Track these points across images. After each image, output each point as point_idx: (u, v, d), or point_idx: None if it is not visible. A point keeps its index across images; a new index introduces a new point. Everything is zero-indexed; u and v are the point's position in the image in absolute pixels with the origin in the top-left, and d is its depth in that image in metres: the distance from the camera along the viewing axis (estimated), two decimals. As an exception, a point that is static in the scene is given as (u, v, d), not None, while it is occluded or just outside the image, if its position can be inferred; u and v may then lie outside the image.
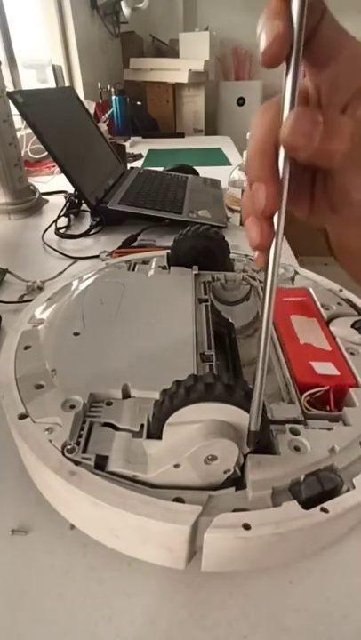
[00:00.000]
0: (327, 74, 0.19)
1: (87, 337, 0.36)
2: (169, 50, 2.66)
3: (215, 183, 1.07)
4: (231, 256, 0.50)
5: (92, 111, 1.57)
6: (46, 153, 0.80)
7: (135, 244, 0.75)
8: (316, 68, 0.19)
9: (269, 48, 0.16)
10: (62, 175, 0.81)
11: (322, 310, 0.40)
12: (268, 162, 0.18)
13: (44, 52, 1.84)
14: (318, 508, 0.24)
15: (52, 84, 1.82)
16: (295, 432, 0.28)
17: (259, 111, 0.19)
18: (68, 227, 0.86)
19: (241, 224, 0.82)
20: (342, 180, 0.21)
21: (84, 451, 0.27)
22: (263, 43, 0.16)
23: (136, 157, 1.54)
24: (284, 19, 0.16)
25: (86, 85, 1.96)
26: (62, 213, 0.89)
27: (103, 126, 1.50)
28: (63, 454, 0.26)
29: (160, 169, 1.14)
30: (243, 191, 0.80)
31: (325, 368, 0.33)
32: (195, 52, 2.28)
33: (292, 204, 0.23)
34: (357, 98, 0.18)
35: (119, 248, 0.72)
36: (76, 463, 0.26)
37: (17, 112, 0.78)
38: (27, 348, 0.36)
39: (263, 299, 0.20)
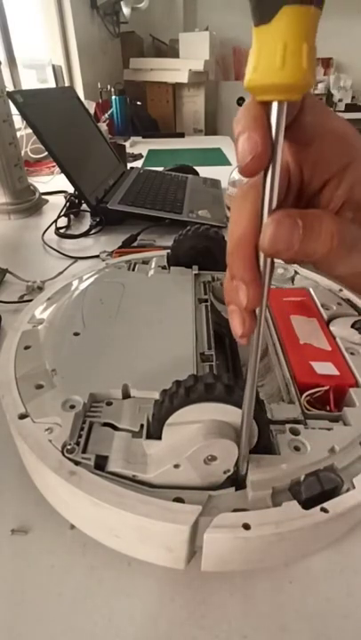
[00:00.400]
0: (310, 153, 0.19)
1: (87, 337, 0.36)
2: (169, 50, 2.67)
3: (215, 183, 1.07)
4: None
5: (92, 111, 1.57)
6: (46, 153, 0.80)
7: (135, 243, 0.75)
8: (298, 147, 0.19)
9: (247, 166, 0.16)
10: (62, 175, 0.81)
11: (322, 310, 0.40)
12: (249, 261, 0.18)
13: (44, 52, 1.84)
14: (318, 508, 0.24)
15: (52, 84, 1.83)
16: (295, 432, 0.28)
17: (236, 200, 0.19)
18: (68, 227, 0.86)
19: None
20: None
21: (84, 451, 0.27)
22: (241, 159, 0.16)
23: (136, 157, 1.54)
24: (262, 132, 0.15)
25: (86, 85, 1.96)
26: (62, 213, 0.89)
27: (103, 126, 1.50)
28: (63, 454, 0.26)
29: (160, 169, 1.14)
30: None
31: (325, 368, 0.33)
32: (195, 52, 2.29)
33: None
34: (339, 175, 0.19)
35: (119, 248, 0.72)
36: (76, 463, 0.26)
37: (17, 112, 0.78)
38: (27, 347, 0.36)
39: (247, 374, 0.20)
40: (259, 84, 0.14)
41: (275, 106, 0.15)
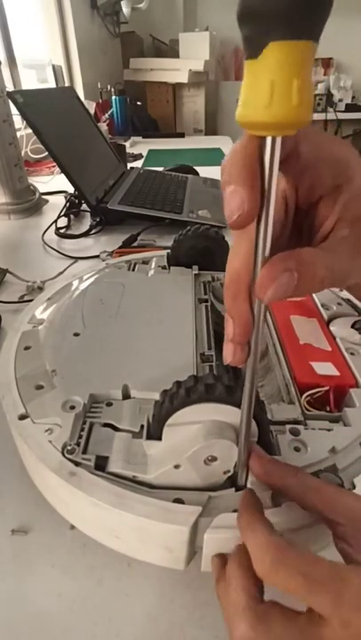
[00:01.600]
0: (305, 176, 0.18)
1: (87, 337, 0.36)
2: (169, 50, 2.66)
3: (215, 183, 1.07)
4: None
5: (92, 111, 1.57)
6: (46, 153, 0.80)
7: (135, 244, 0.75)
8: (293, 173, 0.19)
9: (234, 223, 0.15)
10: (62, 175, 0.81)
11: (322, 310, 0.40)
12: (240, 299, 0.18)
13: (44, 52, 1.84)
14: None
15: (52, 84, 1.82)
16: (295, 433, 0.28)
17: (234, 239, 0.19)
18: (68, 227, 0.86)
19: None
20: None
21: (84, 451, 0.27)
22: (227, 215, 0.15)
23: (136, 157, 1.54)
24: (249, 185, 0.15)
25: (86, 85, 1.96)
26: (62, 213, 0.89)
27: (103, 126, 1.50)
28: (63, 455, 0.26)
29: (160, 169, 1.14)
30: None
31: (325, 368, 0.33)
32: (195, 52, 2.29)
33: None
34: (334, 193, 0.19)
35: (119, 248, 0.72)
36: (76, 464, 0.26)
37: (17, 112, 0.78)
38: (27, 348, 0.36)
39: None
40: (248, 120, 0.14)
41: (268, 141, 0.14)
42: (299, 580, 0.17)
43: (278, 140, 0.14)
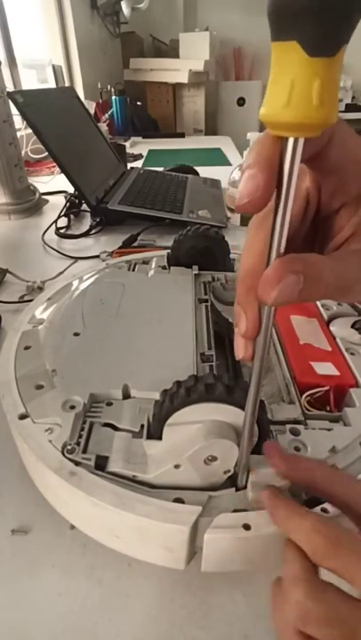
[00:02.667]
0: (330, 179, 0.18)
1: (87, 337, 0.36)
2: (169, 50, 2.66)
3: (215, 183, 1.07)
4: (231, 256, 0.50)
5: (92, 111, 1.57)
6: (46, 153, 0.80)
7: (135, 244, 0.75)
8: (319, 174, 0.18)
9: (242, 207, 0.15)
10: (62, 175, 0.81)
11: (322, 310, 0.40)
12: (253, 294, 0.18)
13: (44, 52, 1.84)
14: (319, 508, 0.24)
15: (52, 84, 1.82)
16: (295, 432, 0.28)
17: (251, 228, 0.19)
18: (68, 227, 0.86)
19: (241, 224, 0.82)
20: None
21: (85, 451, 0.27)
22: (238, 198, 0.15)
23: (136, 157, 1.54)
24: (267, 174, 0.14)
25: (86, 85, 1.96)
26: (62, 213, 0.89)
27: (103, 126, 1.50)
28: (63, 454, 0.26)
29: (160, 169, 1.14)
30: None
31: (325, 368, 0.33)
32: (195, 52, 2.29)
33: None
34: (356, 202, 0.18)
35: (119, 248, 0.72)
36: (77, 463, 0.26)
37: (17, 112, 0.78)
38: (27, 348, 0.36)
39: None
40: (269, 120, 0.13)
41: (290, 142, 0.14)
42: (355, 559, 0.17)
43: (300, 141, 0.14)
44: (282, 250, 0.16)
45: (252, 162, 0.15)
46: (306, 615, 0.17)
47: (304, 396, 0.31)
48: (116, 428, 0.28)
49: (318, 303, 0.42)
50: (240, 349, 0.19)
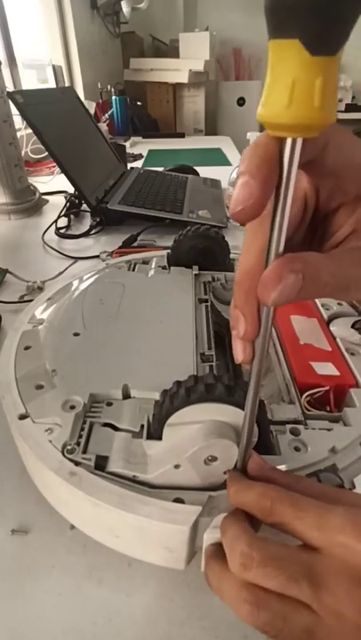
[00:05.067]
0: (328, 181, 0.18)
1: (87, 337, 0.36)
2: (169, 50, 2.66)
3: (215, 183, 1.07)
4: (231, 256, 0.50)
5: (92, 111, 1.57)
6: (46, 153, 0.80)
7: (135, 244, 0.75)
8: (317, 176, 0.18)
9: (235, 215, 0.15)
10: (62, 175, 0.82)
11: (322, 310, 0.40)
12: (251, 296, 0.18)
13: (44, 52, 1.84)
14: None
15: (52, 84, 1.82)
16: (295, 432, 0.28)
17: (249, 229, 0.19)
18: (68, 227, 0.86)
19: (241, 224, 0.82)
20: None
21: (84, 451, 0.27)
22: (232, 206, 0.15)
23: (136, 157, 1.54)
24: (261, 181, 0.14)
25: (86, 85, 1.96)
26: (62, 213, 0.89)
27: (103, 126, 1.50)
28: (63, 455, 0.26)
29: (160, 169, 1.14)
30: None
31: (325, 368, 0.33)
32: (195, 52, 2.29)
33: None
34: (355, 203, 0.18)
35: (119, 248, 0.72)
36: (76, 463, 0.26)
37: (17, 112, 0.78)
38: (27, 348, 0.36)
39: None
40: (269, 121, 0.13)
41: (288, 143, 0.14)
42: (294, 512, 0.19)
43: (299, 142, 0.14)
44: (281, 250, 0.16)
45: (245, 168, 0.15)
46: (249, 560, 0.18)
47: (304, 396, 0.31)
48: (116, 428, 0.28)
49: (318, 303, 0.42)
50: (239, 352, 0.19)
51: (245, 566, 0.18)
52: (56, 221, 0.85)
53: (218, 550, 0.21)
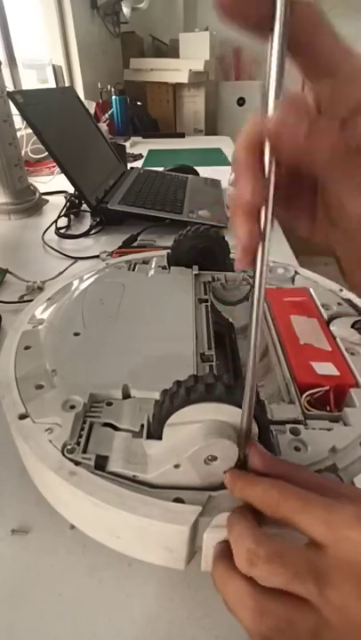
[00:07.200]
0: (326, 86, 0.18)
1: (87, 337, 0.36)
2: (169, 50, 2.66)
3: (215, 183, 1.07)
4: (231, 256, 0.50)
5: (92, 111, 1.57)
6: (46, 153, 0.80)
7: (135, 244, 0.75)
8: (314, 79, 0.18)
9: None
10: (62, 175, 0.81)
11: (322, 310, 0.40)
12: (253, 158, 0.17)
13: (44, 52, 1.84)
14: None
15: (52, 84, 1.82)
16: (295, 432, 0.28)
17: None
18: (68, 227, 0.86)
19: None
20: (336, 193, 0.21)
21: (85, 451, 0.27)
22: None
23: (136, 157, 1.54)
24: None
25: (86, 85, 1.96)
26: (62, 213, 0.89)
27: (103, 126, 1.50)
28: (63, 454, 0.26)
29: (160, 169, 1.14)
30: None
31: (326, 368, 0.33)
32: (195, 52, 2.28)
33: (294, 220, 0.24)
34: (356, 114, 0.18)
35: (119, 248, 0.72)
36: (77, 463, 0.26)
37: (17, 112, 0.78)
38: (27, 348, 0.36)
39: (252, 300, 0.20)
40: None
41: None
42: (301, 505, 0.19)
43: None
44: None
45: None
46: (255, 557, 0.19)
47: (304, 395, 0.31)
48: (116, 428, 0.28)
49: (318, 303, 0.42)
50: (243, 232, 0.18)
51: (251, 562, 0.19)
52: (56, 221, 0.85)
53: (224, 549, 0.21)
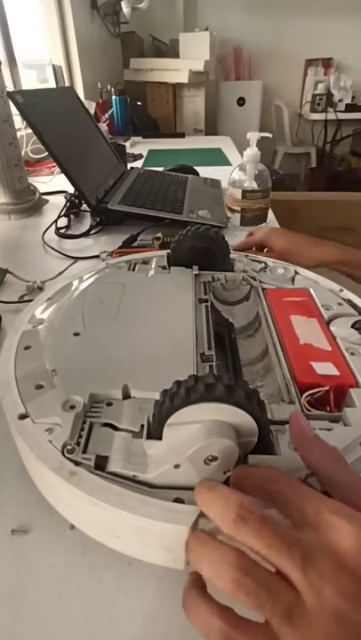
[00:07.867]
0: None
1: (87, 337, 0.36)
2: (169, 50, 2.67)
3: (215, 183, 1.07)
4: (231, 256, 0.50)
5: (92, 111, 1.57)
6: (46, 153, 0.80)
7: (135, 244, 0.75)
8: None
9: None
10: (62, 175, 0.81)
11: (322, 310, 0.40)
12: None
13: (44, 52, 1.84)
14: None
15: (52, 84, 1.82)
16: (295, 432, 0.28)
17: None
18: (68, 227, 0.86)
19: (241, 224, 0.82)
20: None
21: (84, 451, 0.27)
22: None
23: (136, 157, 1.54)
24: None
25: (86, 85, 1.96)
26: (62, 213, 0.89)
27: (103, 126, 1.50)
28: (63, 454, 0.26)
29: (160, 169, 1.14)
30: (243, 191, 0.79)
31: (326, 368, 0.33)
32: (195, 52, 2.29)
33: None
34: None
35: (119, 248, 0.72)
36: (76, 463, 0.26)
37: (17, 112, 0.78)
38: (27, 348, 0.36)
39: None
40: None
41: None
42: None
43: None
44: None
45: None
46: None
47: (304, 395, 0.31)
48: (116, 428, 0.28)
49: (318, 303, 0.42)
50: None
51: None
52: (56, 221, 0.85)
53: (197, 579, 0.21)
